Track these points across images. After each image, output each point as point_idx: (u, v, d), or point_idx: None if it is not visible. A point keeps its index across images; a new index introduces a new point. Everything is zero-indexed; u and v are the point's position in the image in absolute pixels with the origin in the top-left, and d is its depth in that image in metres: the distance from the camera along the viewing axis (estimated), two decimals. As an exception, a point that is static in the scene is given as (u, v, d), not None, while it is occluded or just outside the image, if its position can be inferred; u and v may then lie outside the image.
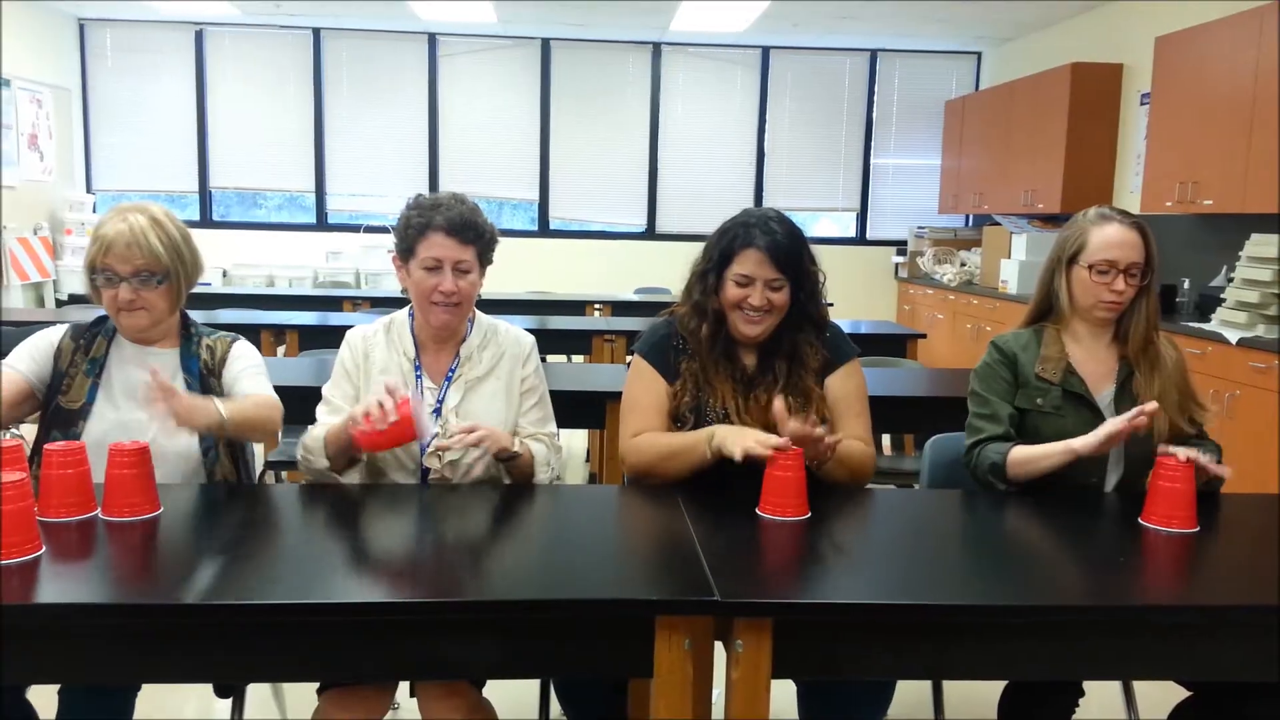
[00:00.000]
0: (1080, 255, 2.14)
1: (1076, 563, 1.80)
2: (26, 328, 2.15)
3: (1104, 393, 2.17)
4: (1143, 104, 6.14)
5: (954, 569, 1.76)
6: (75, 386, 2.09)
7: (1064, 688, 2.16)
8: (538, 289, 7.17)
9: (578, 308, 6.22)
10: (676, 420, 2.17)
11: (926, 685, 2.22)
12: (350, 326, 2.29)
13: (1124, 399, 2.15)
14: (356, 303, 6.20)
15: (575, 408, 3.07)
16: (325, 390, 2.22)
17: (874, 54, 8.58)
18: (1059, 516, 2.01)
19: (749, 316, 2.13)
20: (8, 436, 1.85)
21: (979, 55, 8.64)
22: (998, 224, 7.33)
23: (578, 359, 5.77)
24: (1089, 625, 1.56)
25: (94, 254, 2.06)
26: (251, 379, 2.19)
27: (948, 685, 2.19)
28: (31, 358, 2.10)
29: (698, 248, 2.25)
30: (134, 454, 1.78)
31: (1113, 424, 1.98)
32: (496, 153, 8.52)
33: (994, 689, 2.19)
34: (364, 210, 8.51)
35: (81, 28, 8.15)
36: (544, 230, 8.63)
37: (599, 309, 6.27)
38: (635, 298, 6.68)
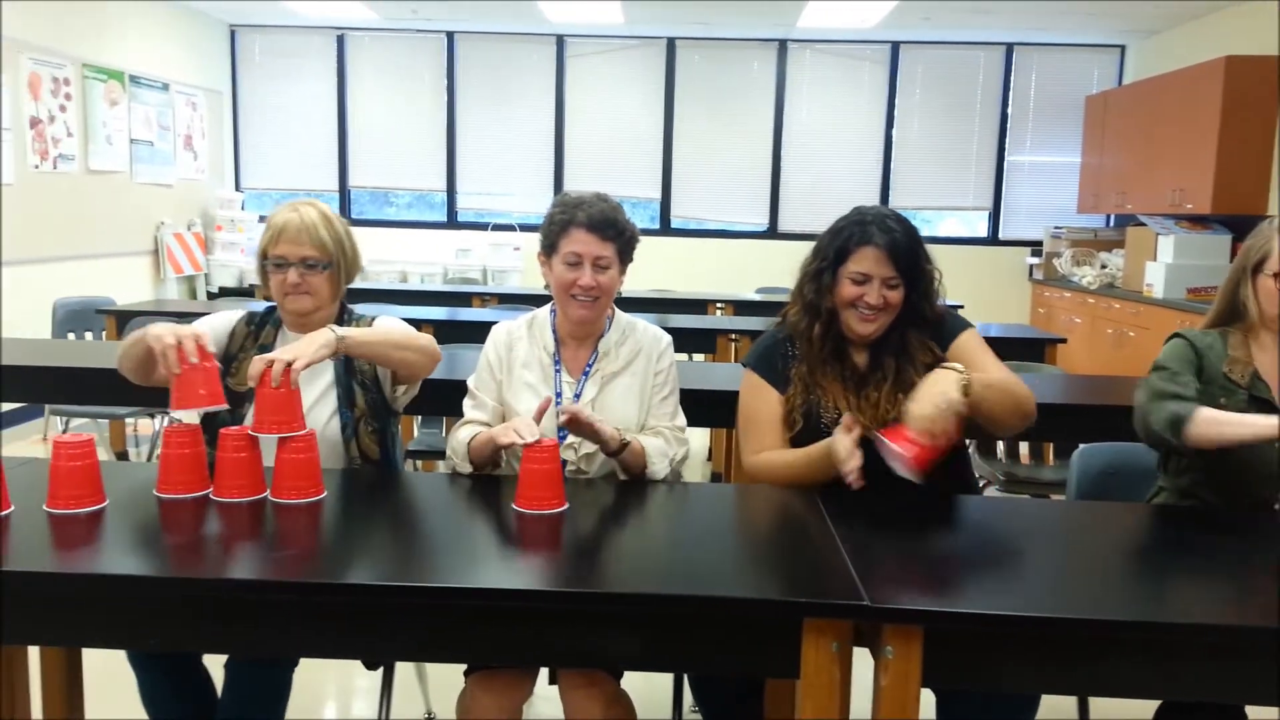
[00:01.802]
0: (1265, 263, 2.06)
1: (1241, 581, 1.71)
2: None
3: (1286, 407, 2.05)
4: (1306, 98, 5.77)
5: (1108, 583, 1.70)
6: (243, 370, 2.17)
7: (1223, 710, 2.05)
8: (659, 287, 7.20)
9: (699, 306, 6.22)
10: (789, 425, 2.16)
11: (1071, 698, 2.14)
12: (480, 322, 2.36)
13: None
14: (485, 299, 6.35)
15: (699, 406, 3.06)
16: (470, 383, 2.29)
17: (1010, 48, 8.31)
18: (1224, 533, 1.92)
19: (864, 315, 2.11)
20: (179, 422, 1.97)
21: (1122, 48, 8.26)
22: (1142, 224, 7.00)
23: (698, 358, 5.78)
24: (1252, 647, 1.49)
25: (266, 241, 2.22)
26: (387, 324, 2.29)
27: (1094, 699, 2.11)
28: (212, 332, 2.21)
29: None
30: (303, 440, 1.88)
31: None
32: (620, 151, 8.60)
33: (1144, 705, 2.10)
34: (492, 209, 8.71)
35: (233, 34, 8.59)
36: (665, 229, 8.66)
37: (720, 308, 6.26)
38: (757, 297, 6.65)
